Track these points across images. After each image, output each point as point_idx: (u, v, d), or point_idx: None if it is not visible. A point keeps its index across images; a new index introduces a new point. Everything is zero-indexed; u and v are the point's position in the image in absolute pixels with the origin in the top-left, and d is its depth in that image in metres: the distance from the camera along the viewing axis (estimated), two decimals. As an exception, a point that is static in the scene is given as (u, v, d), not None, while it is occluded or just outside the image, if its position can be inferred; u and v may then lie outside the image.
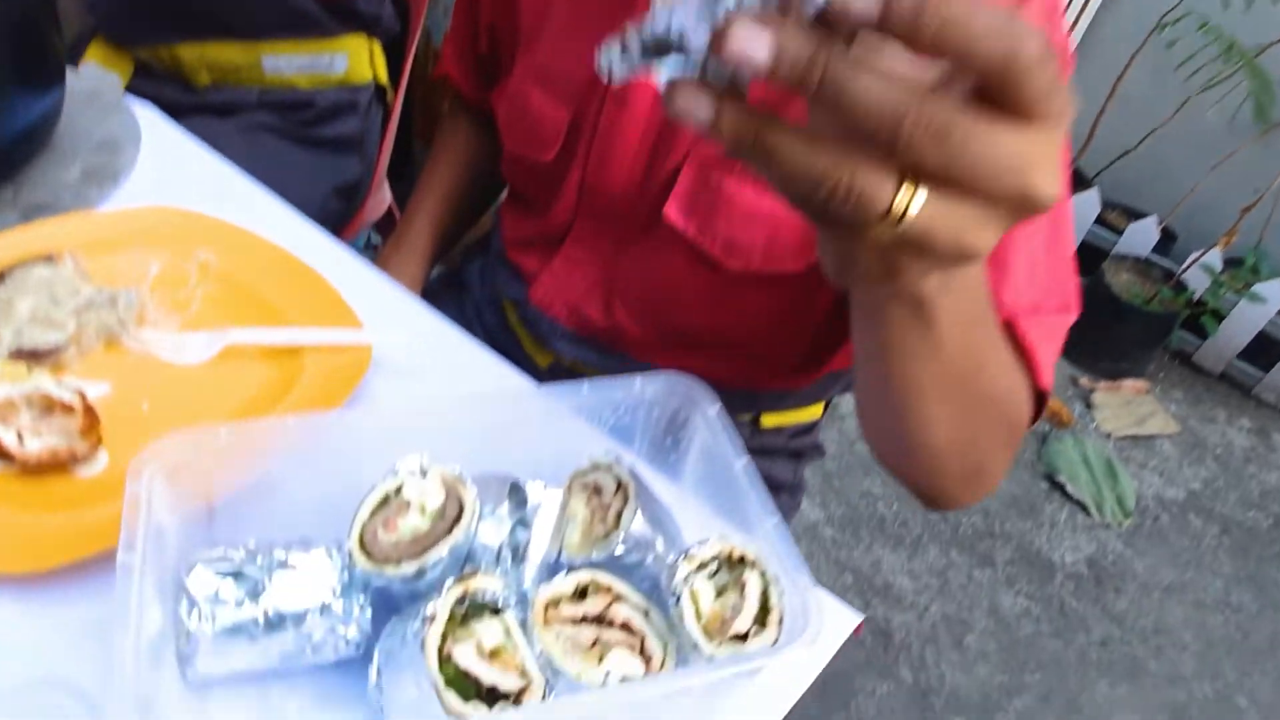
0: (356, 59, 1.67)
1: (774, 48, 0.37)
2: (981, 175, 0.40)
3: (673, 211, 0.99)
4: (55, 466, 0.82)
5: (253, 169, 1.21)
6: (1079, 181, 3.41)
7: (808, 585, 0.69)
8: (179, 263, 1.03)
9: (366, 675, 0.71)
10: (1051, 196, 0.41)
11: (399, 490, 0.72)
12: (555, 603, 0.68)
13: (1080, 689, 2.33)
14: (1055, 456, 2.88)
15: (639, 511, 0.76)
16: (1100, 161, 3.41)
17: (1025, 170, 0.40)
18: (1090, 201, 3.40)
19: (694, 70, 0.41)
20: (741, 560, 0.71)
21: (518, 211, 1.25)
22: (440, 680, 0.62)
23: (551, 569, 0.75)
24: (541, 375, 1.22)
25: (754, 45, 0.37)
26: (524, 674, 0.64)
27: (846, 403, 2.27)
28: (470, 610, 0.66)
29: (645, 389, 0.83)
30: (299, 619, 0.69)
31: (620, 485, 0.79)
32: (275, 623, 0.68)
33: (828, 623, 0.70)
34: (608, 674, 0.65)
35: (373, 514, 0.71)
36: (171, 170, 1.20)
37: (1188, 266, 3.26)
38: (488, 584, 0.66)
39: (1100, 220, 3.46)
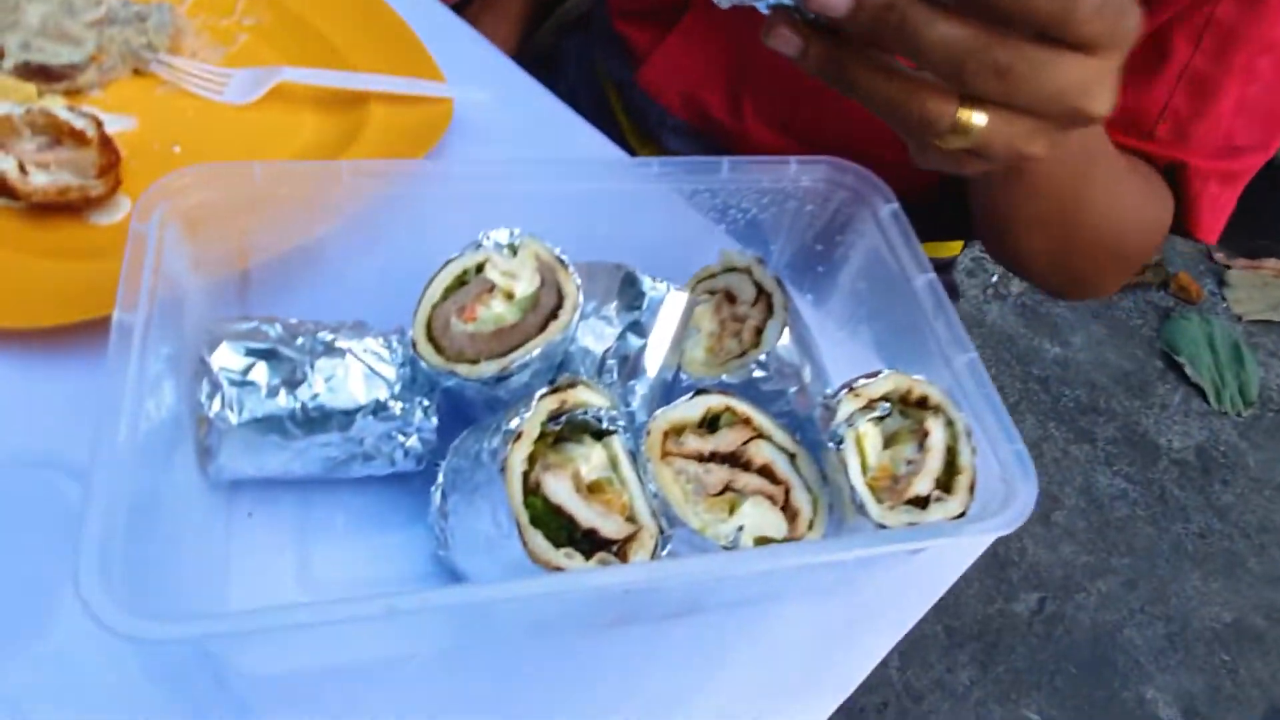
0: None
1: (852, 2, 0.43)
2: (1038, 101, 0.45)
3: None
4: (66, 209, 0.67)
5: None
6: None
7: (1013, 443, 0.51)
8: (224, -17, 0.84)
9: (429, 495, 0.56)
10: (1102, 113, 0.46)
11: (481, 268, 0.55)
12: (677, 431, 0.52)
13: (1170, 579, 2.19)
14: (1177, 334, 2.62)
15: (787, 327, 0.58)
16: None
17: (1079, 95, 0.45)
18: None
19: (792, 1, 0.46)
20: (922, 403, 0.54)
21: (630, -29, 1.03)
22: (524, 515, 0.47)
23: (668, 390, 0.59)
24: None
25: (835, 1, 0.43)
26: (632, 518, 0.49)
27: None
28: (566, 431, 0.50)
29: (801, 176, 0.63)
30: (346, 419, 0.54)
31: (761, 293, 0.61)
32: (316, 420, 0.53)
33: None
34: (740, 530, 0.50)
35: (446, 296, 0.55)
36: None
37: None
38: (591, 398, 0.50)
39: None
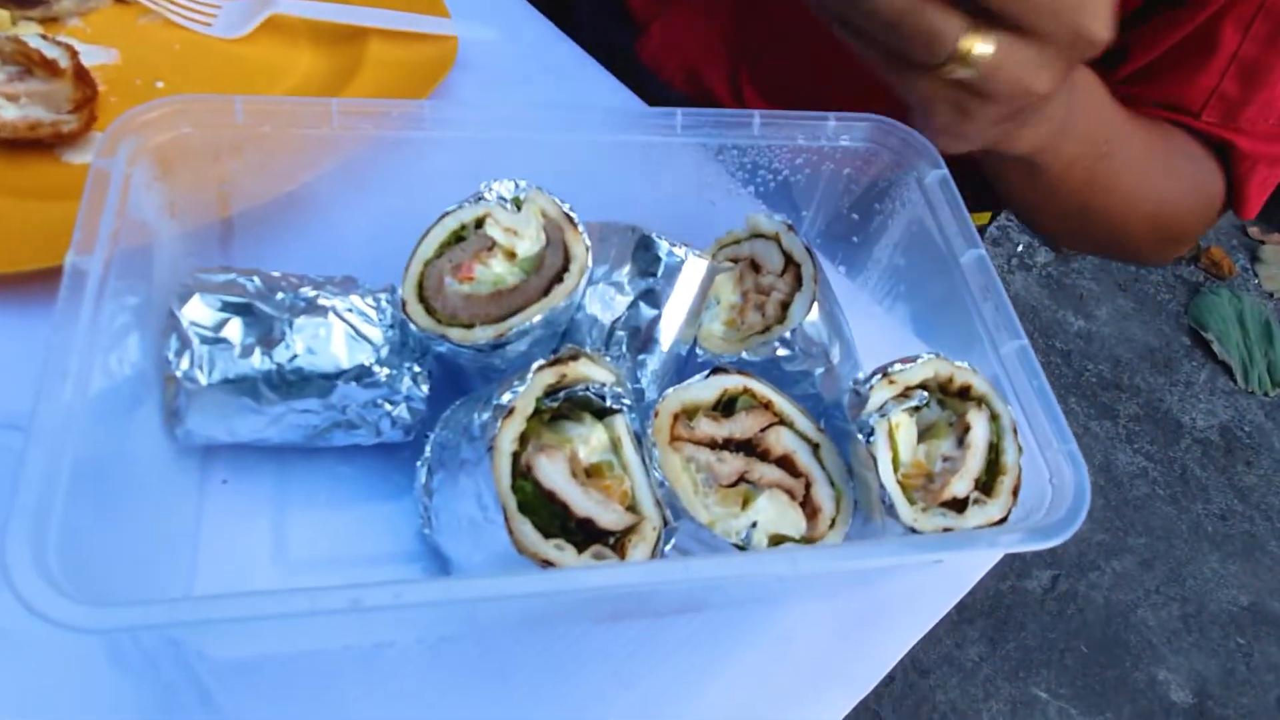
0: None
1: None
2: (1037, 13, 0.47)
3: None
4: (36, 146, 0.62)
5: None
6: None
7: (1066, 444, 0.46)
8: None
9: (416, 467, 0.52)
10: (1101, 36, 0.49)
11: (481, 223, 0.50)
12: (689, 414, 0.47)
13: (1188, 559, 2.14)
14: (1206, 311, 2.52)
15: (816, 302, 0.52)
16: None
17: (1077, 9, 0.47)
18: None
19: None
20: (964, 393, 0.48)
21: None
22: (512, 500, 0.42)
23: (682, 367, 0.53)
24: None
25: None
26: (633, 509, 0.44)
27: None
28: (565, 408, 0.45)
29: (840, 134, 0.57)
30: (326, 385, 0.49)
31: (790, 263, 0.55)
32: (294, 384, 0.49)
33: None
34: (753, 527, 0.45)
35: (441, 252, 0.50)
36: None
37: None
38: (594, 373, 0.45)
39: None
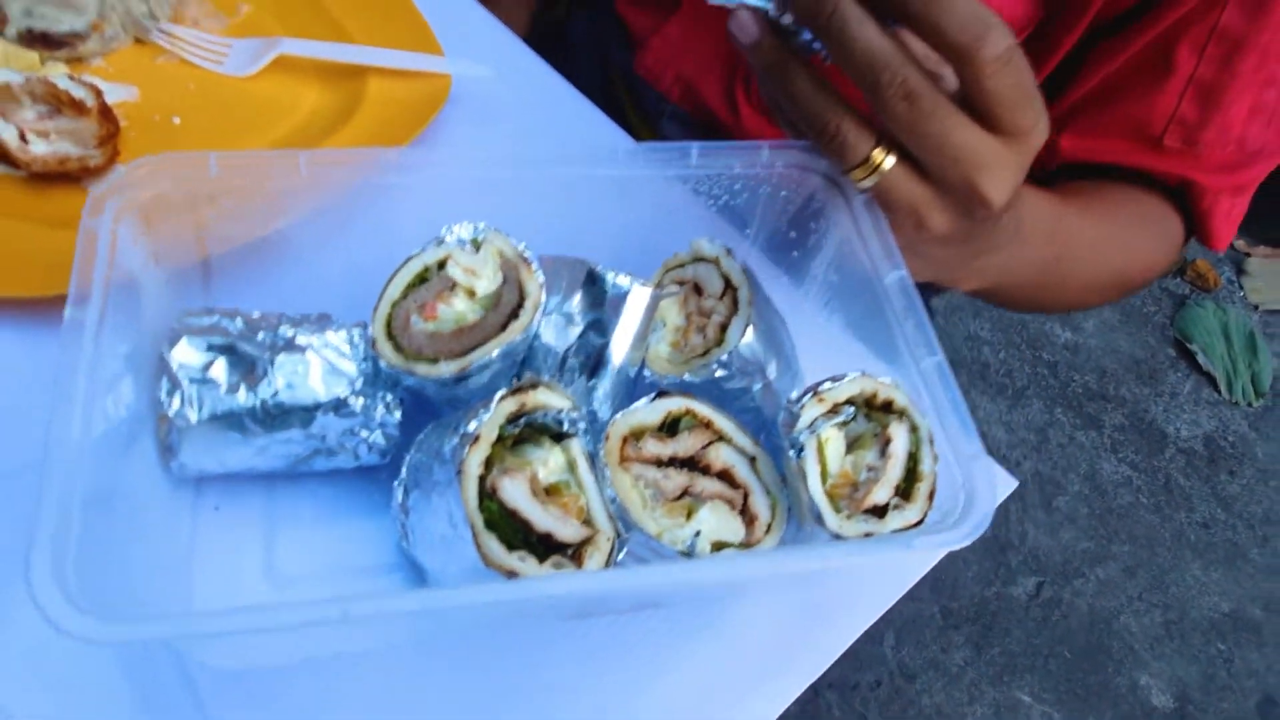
0: None
1: None
2: (938, 155, 0.49)
3: None
4: (65, 179, 0.67)
5: None
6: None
7: (975, 452, 0.51)
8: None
9: (393, 488, 0.56)
10: (997, 202, 0.51)
11: (442, 265, 0.54)
12: (638, 435, 0.52)
13: (1170, 567, 2.17)
14: (1191, 323, 2.55)
15: (750, 325, 0.57)
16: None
17: (977, 167, 0.49)
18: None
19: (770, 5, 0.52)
20: (887, 407, 0.53)
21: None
22: (479, 519, 0.47)
23: (631, 388, 0.58)
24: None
25: None
26: (589, 523, 0.49)
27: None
28: (525, 433, 0.50)
29: (774, 161, 0.62)
30: (306, 416, 0.54)
31: (729, 286, 0.60)
32: (277, 417, 0.53)
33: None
34: (696, 536, 0.50)
35: (407, 293, 0.54)
36: None
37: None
38: (551, 400, 0.50)
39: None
